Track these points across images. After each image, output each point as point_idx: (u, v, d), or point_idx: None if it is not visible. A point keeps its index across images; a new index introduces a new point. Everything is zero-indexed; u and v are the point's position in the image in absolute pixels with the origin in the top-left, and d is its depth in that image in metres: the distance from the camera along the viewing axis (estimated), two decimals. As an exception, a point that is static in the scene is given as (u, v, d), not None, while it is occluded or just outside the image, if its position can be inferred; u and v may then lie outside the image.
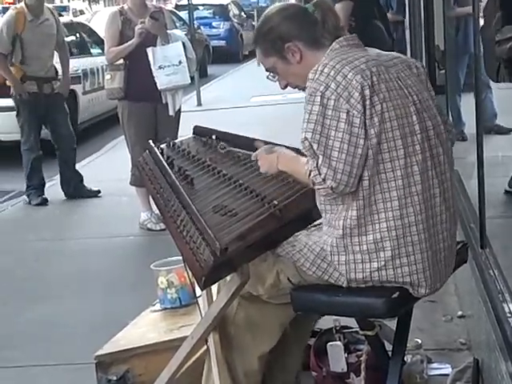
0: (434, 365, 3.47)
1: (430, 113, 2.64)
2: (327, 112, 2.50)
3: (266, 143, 3.00)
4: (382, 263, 2.54)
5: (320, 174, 2.50)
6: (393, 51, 2.87)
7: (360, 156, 2.49)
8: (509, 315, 2.94)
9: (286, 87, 2.83)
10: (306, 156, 2.59)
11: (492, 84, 5.94)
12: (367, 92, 2.50)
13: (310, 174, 2.54)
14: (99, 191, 7.32)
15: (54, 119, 7.17)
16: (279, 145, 2.94)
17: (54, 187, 7.53)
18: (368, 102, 2.50)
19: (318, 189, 2.55)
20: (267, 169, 2.84)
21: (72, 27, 10.77)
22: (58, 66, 7.32)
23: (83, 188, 7.32)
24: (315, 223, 2.77)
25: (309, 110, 2.54)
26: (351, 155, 2.48)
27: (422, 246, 2.56)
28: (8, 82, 7.01)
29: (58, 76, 7.26)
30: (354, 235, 2.55)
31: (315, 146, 2.50)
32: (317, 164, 2.51)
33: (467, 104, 3.99)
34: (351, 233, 2.55)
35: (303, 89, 2.63)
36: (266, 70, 2.81)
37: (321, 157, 2.49)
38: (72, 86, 9.58)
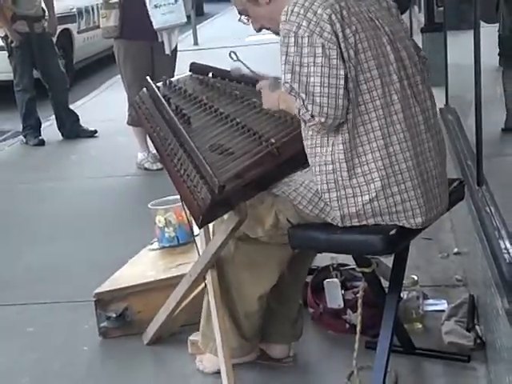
0: (430, 301, 3.50)
1: (404, 43, 2.65)
2: (303, 50, 2.51)
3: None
4: (373, 194, 2.55)
5: (307, 111, 2.51)
6: None
7: (343, 86, 2.49)
8: (505, 252, 2.95)
9: (260, 30, 2.83)
10: None
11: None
12: (338, 26, 2.50)
13: (299, 113, 2.54)
14: (96, 131, 7.30)
15: (44, 60, 7.12)
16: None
17: (50, 128, 7.51)
18: (341, 35, 2.50)
19: (310, 126, 2.55)
20: (270, 106, 2.84)
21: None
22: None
23: (79, 128, 7.30)
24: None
25: (285, 52, 2.54)
26: (334, 87, 2.48)
27: (412, 174, 2.57)
28: None
29: (45, 15, 7.18)
30: (343, 170, 2.55)
31: (296, 86, 2.51)
32: (303, 102, 2.51)
33: (469, 42, 3.95)
34: (340, 168, 2.55)
35: (277, 32, 2.62)
36: (239, 13, 2.82)
37: (304, 95, 2.50)
38: (67, 25, 9.52)
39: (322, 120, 2.49)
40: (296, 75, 2.51)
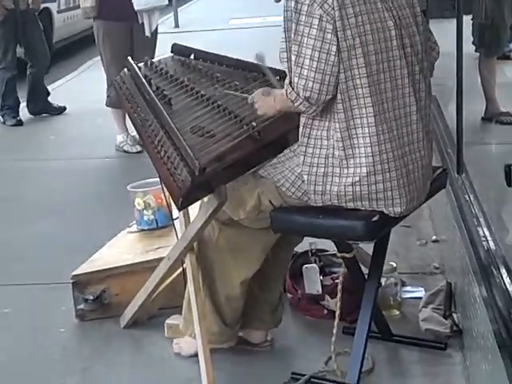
0: (408, 288, 3.52)
1: (410, 30, 2.62)
2: (300, 18, 2.49)
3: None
4: (357, 179, 2.55)
5: (293, 88, 2.50)
6: None
7: (332, 63, 2.47)
8: (483, 239, 2.96)
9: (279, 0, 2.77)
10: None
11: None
12: (340, 1, 2.47)
13: (286, 94, 2.53)
14: (65, 108, 7.31)
15: (30, 35, 7.06)
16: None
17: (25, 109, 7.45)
18: (338, 14, 2.47)
19: (297, 107, 2.53)
20: (265, 110, 2.75)
21: None
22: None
23: (49, 104, 7.28)
24: (292, 148, 2.75)
25: (284, 17, 2.53)
26: (323, 62, 2.47)
27: (397, 164, 2.57)
28: None
29: None
30: (336, 148, 2.55)
31: (288, 55, 2.51)
32: (290, 78, 2.50)
33: (450, 30, 3.96)
34: (334, 146, 2.55)
35: None
36: None
37: (293, 66, 2.49)
38: (47, 4, 9.41)
39: (307, 94, 2.48)
40: (289, 43, 2.51)
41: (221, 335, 3.05)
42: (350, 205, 2.60)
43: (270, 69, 2.98)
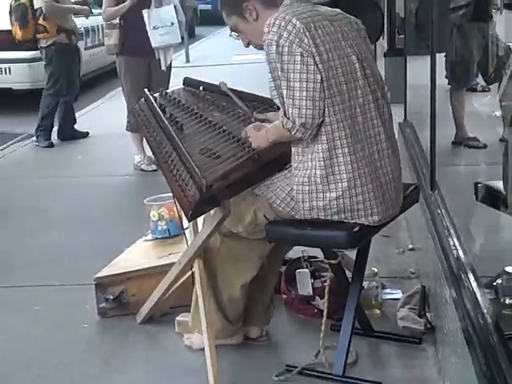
0: (387, 290, 3.50)
1: (369, 63, 2.66)
2: (283, 58, 2.50)
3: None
4: (340, 193, 2.55)
5: (288, 117, 2.50)
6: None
7: (319, 90, 2.49)
8: (453, 248, 2.96)
9: (248, 45, 2.81)
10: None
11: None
12: (313, 41, 2.50)
13: (283, 125, 2.53)
14: (88, 133, 7.32)
15: (72, 68, 7.09)
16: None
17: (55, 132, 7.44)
18: (315, 50, 2.49)
19: (294, 134, 2.53)
20: (259, 144, 2.74)
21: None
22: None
23: (75, 131, 7.29)
24: (287, 166, 2.76)
25: (268, 60, 2.54)
26: (311, 90, 2.48)
27: (372, 177, 2.58)
28: (41, 36, 6.84)
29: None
30: (317, 168, 2.55)
31: (279, 92, 2.51)
32: (284, 111, 2.50)
33: (425, 65, 3.97)
34: (316, 166, 2.56)
35: (262, 47, 2.60)
36: (231, 30, 2.81)
37: (286, 99, 2.50)
38: (75, 42, 9.44)
39: (302, 121, 2.49)
40: (277, 81, 2.52)
41: (224, 331, 3.03)
42: (335, 217, 2.60)
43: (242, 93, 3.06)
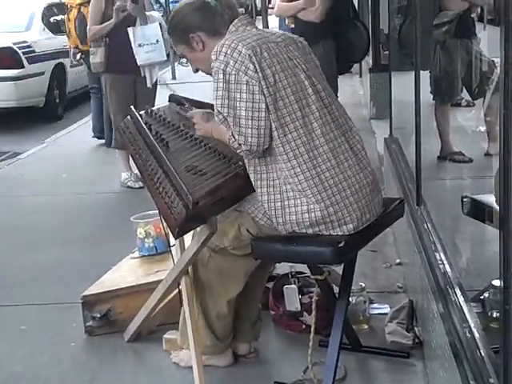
0: (375, 305, 3.51)
1: (318, 78, 2.70)
2: (230, 86, 2.53)
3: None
4: (311, 206, 2.56)
5: (235, 140, 2.55)
6: None
7: (264, 118, 2.53)
8: (440, 263, 2.97)
9: (197, 71, 2.86)
10: None
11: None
12: (259, 66, 2.53)
13: (229, 142, 2.58)
14: None
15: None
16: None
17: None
18: (261, 74, 2.53)
19: (239, 153, 2.59)
20: (203, 134, 2.85)
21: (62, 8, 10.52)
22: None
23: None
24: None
25: (215, 88, 2.57)
26: (256, 119, 2.52)
27: (339, 188, 2.59)
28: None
29: None
30: (283, 185, 2.58)
31: (226, 118, 2.55)
32: (232, 133, 2.55)
33: (409, 81, 4.00)
34: (281, 183, 2.59)
35: (210, 73, 2.64)
36: (180, 57, 2.84)
37: (232, 126, 2.54)
38: (61, 60, 9.45)
39: (248, 148, 2.54)
40: (225, 108, 2.54)
41: (213, 348, 3.03)
42: (310, 231, 2.61)
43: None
